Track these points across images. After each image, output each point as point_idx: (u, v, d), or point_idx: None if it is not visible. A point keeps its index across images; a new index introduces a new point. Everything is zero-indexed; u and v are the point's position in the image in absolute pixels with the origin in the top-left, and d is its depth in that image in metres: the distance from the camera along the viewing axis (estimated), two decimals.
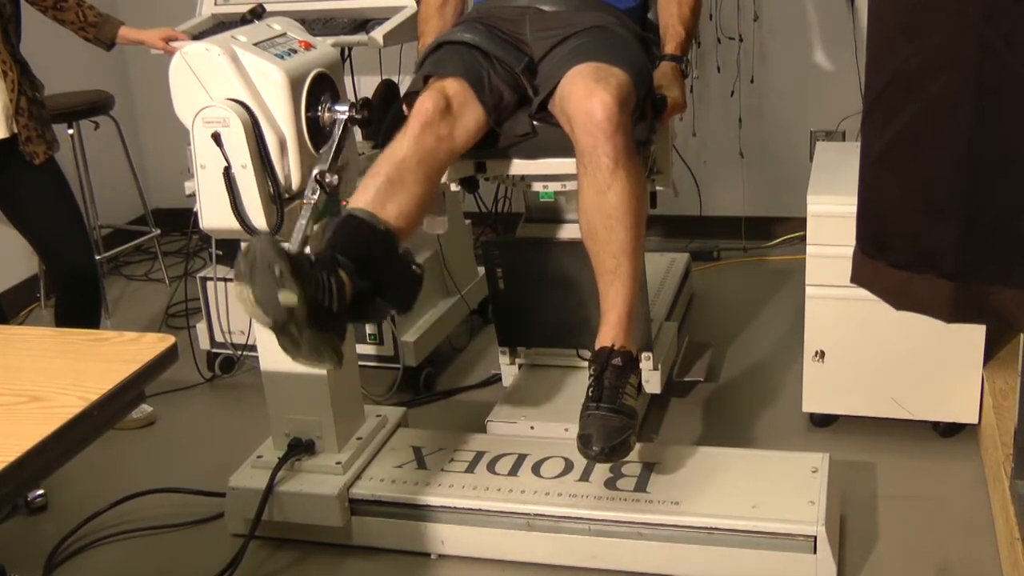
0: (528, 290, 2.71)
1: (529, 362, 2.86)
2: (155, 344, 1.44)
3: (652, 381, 2.70)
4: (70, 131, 3.75)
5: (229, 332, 3.21)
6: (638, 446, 2.39)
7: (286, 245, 1.89)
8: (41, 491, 2.67)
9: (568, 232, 2.67)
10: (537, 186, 2.49)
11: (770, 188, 3.99)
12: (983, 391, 2.54)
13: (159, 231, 4.13)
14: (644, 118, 2.28)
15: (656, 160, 2.49)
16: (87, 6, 2.75)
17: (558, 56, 2.27)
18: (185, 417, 3.11)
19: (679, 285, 3.27)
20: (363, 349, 3.00)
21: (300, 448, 2.42)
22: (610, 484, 2.30)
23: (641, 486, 2.28)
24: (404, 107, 2.31)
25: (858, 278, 1.63)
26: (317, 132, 2.23)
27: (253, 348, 2.83)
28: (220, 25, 3.03)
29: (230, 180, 2.14)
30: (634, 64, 2.22)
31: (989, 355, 2.54)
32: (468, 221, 3.52)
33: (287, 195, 2.21)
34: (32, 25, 2.70)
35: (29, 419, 1.27)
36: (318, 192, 2.14)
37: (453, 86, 2.21)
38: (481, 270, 3.32)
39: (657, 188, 2.56)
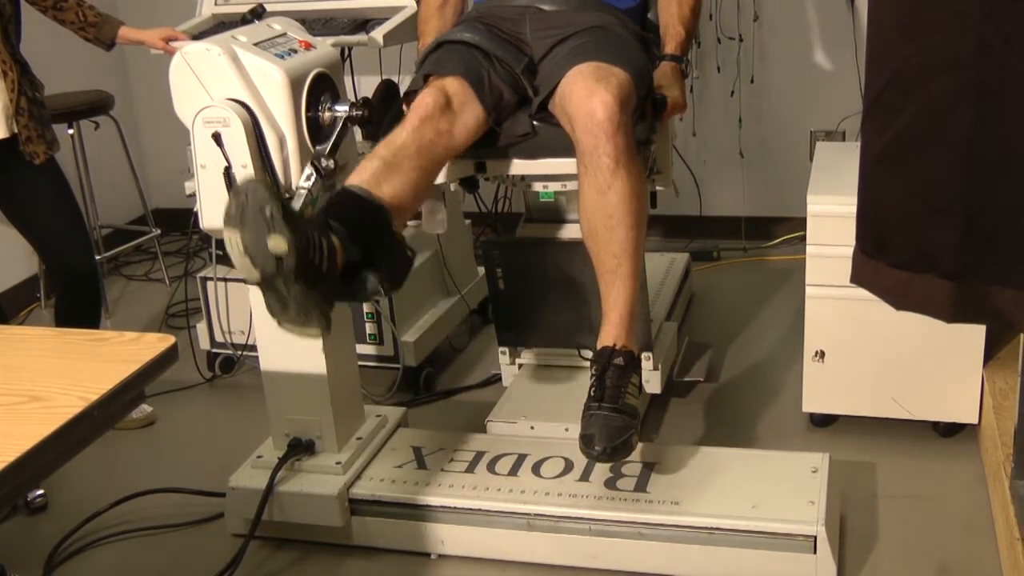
0: (528, 290, 2.71)
1: (529, 362, 2.86)
2: (155, 344, 1.43)
3: (652, 381, 2.70)
4: (70, 131, 3.75)
5: (229, 332, 3.21)
6: (639, 446, 2.40)
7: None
8: (41, 491, 2.67)
9: (568, 232, 2.67)
10: (537, 186, 2.49)
11: (770, 188, 3.99)
12: (983, 391, 2.54)
13: (159, 231, 4.13)
14: (644, 118, 2.28)
15: (656, 160, 2.49)
16: (87, 6, 2.75)
17: (558, 56, 2.27)
18: (185, 417, 3.11)
19: (679, 285, 3.27)
20: (363, 349, 3.00)
21: (300, 448, 2.41)
22: (610, 484, 2.30)
23: (641, 486, 2.28)
24: (404, 107, 2.31)
25: (858, 278, 1.63)
26: (317, 132, 2.23)
27: (253, 348, 2.83)
28: (220, 25, 3.03)
29: (230, 180, 2.14)
30: (634, 64, 2.22)
31: (989, 355, 2.54)
32: (468, 221, 3.52)
33: (287, 195, 2.21)
34: (32, 25, 2.70)
35: (29, 419, 1.27)
36: (313, 177, 2.14)
37: (453, 85, 2.21)
38: (481, 270, 3.32)
39: (657, 188, 2.56)
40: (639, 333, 2.26)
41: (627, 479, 2.31)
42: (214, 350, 3.28)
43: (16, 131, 2.58)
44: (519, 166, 2.39)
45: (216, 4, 3.16)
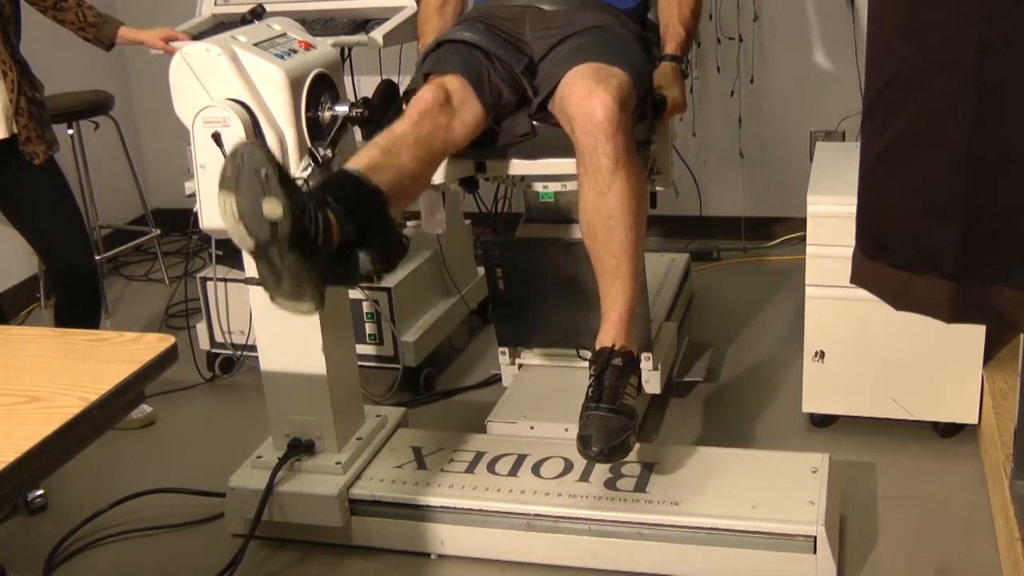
0: (528, 290, 2.71)
1: (529, 362, 2.86)
2: (155, 344, 1.43)
3: (652, 381, 2.70)
4: (70, 131, 3.75)
5: (229, 332, 3.21)
6: (638, 446, 2.40)
7: None
8: (41, 491, 2.67)
9: (568, 232, 2.67)
10: (537, 186, 2.49)
11: (770, 188, 3.99)
12: (983, 391, 2.54)
13: (159, 231, 4.12)
14: (644, 118, 2.28)
15: (656, 160, 2.49)
16: (87, 6, 2.75)
17: (558, 56, 2.27)
18: (185, 417, 3.11)
19: (679, 285, 3.27)
20: (363, 349, 3.00)
21: (300, 448, 2.41)
22: (610, 484, 2.30)
23: (641, 486, 2.28)
24: (404, 105, 2.31)
25: (858, 278, 1.63)
26: (317, 132, 2.23)
27: (253, 348, 2.83)
28: (220, 25, 3.03)
29: None
30: (634, 64, 2.22)
31: (989, 355, 2.54)
32: (468, 221, 3.52)
33: None
34: (32, 25, 2.70)
35: (29, 419, 1.26)
36: (311, 168, 2.13)
37: (453, 82, 2.21)
38: (481, 270, 3.31)
39: (657, 188, 2.56)
40: (639, 333, 2.26)
41: (627, 479, 2.31)
42: (214, 350, 3.28)
43: (16, 131, 2.58)
44: (519, 166, 2.39)
45: (216, 4, 3.17)
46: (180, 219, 4.02)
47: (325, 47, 2.35)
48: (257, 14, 2.63)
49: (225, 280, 3.15)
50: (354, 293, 2.88)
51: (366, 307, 2.99)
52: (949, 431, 2.64)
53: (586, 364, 2.20)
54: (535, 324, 2.76)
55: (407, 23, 2.94)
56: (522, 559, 2.30)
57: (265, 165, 1.70)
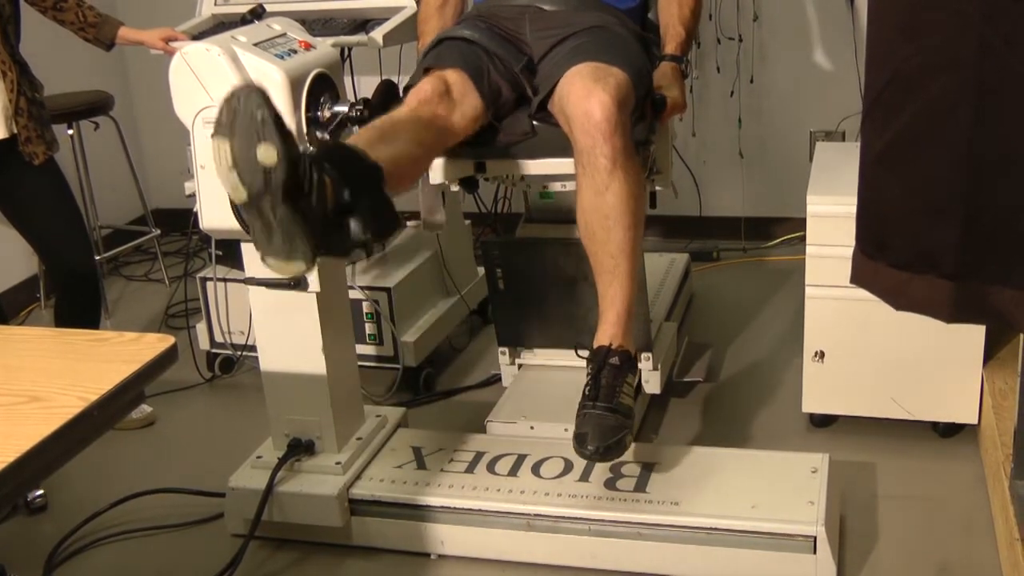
0: (528, 290, 2.71)
1: (529, 362, 2.86)
2: (155, 344, 1.43)
3: (652, 381, 2.70)
4: (70, 131, 3.75)
5: (229, 332, 3.21)
6: (637, 446, 2.40)
7: None
8: (41, 491, 2.67)
9: (568, 232, 2.67)
10: (537, 186, 2.49)
11: (770, 188, 3.99)
12: (983, 391, 2.54)
13: (159, 231, 4.12)
14: (644, 118, 2.28)
15: (656, 160, 2.49)
16: (87, 6, 2.75)
17: (557, 56, 2.27)
18: (185, 417, 3.11)
19: (679, 285, 3.27)
20: (363, 349, 3.00)
21: (300, 448, 2.41)
22: (610, 484, 2.30)
23: (641, 486, 2.28)
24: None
25: (858, 278, 1.63)
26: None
27: (253, 348, 2.83)
28: (220, 25, 3.03)
29: None
30: (633, 64, 2.22)
31: (989, 355, 2.54)
32: (468, 221, 3.52)
33: None
34: (32, 25, 2.70)
35: (29, 419, 1.26)
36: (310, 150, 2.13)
37: (453, 75, 2.21)
38: (481, 270, 3.31)
39: (657, 188, 2.56)
40: (638, 333, 2.26)
41: (627, 479, 2.31)
42: (214, 350, 3.28)
43: (15, 131, 2.58)
44: (519, 166, 2.39)
45: (216, 4, 3.16)
46: (180, 219, 4.02)
47: (325, 47, 2.35)
48: (257, 14, 2.63)
49: (225, 280, 3.15)
50: (354, 293, 2.88)
51: (366, 307, 2.99)
52: (949, 431, 2.64)
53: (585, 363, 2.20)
54: (535, 324, 2.76)
55: (407, 23, 2.94)
56: (522, 559, 2.30)
57: (261, 108, 1.68)
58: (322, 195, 1.76)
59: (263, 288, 2.31)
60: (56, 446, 1.23)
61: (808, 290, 2.58)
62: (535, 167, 2.38)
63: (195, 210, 2.27)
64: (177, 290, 3.71)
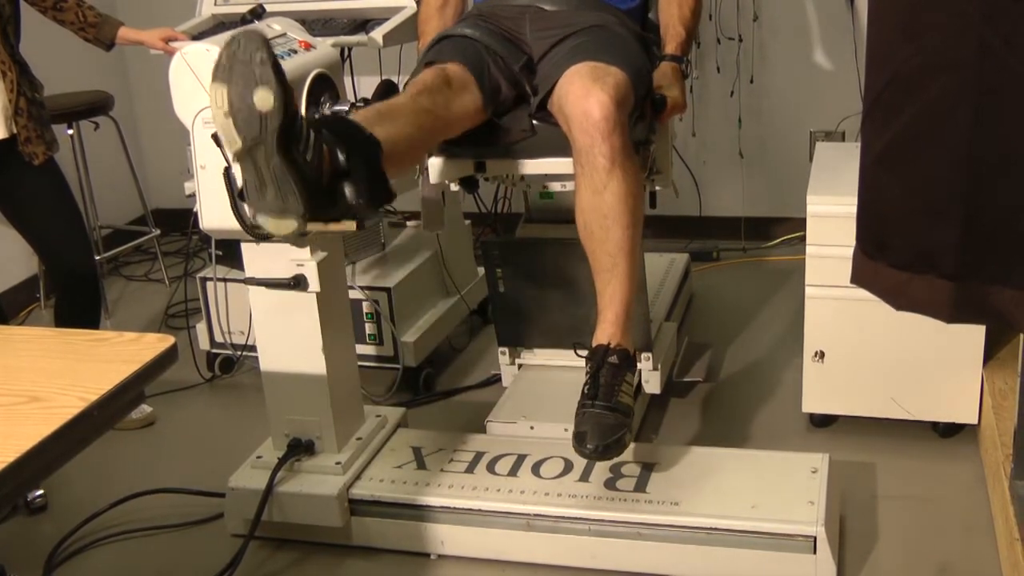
0: (528, 290, 2.71)
1: (529, 362, 2.86)
2: (155, 344, 1.43)
3: (652, 381, 2.70)
4: (70, 131, 3.75)
5: (229, 332, 3.21)
6: (637, 446, 2.40)
7: None
8: (41, 491, 2.67)
9: (568, 232, 2.66)
10: (537, 186, 2.48)
11: (770, 188, 3.99)
12: (983, 391, 2.54)
13: (159, 231, 4.13)
14: (644, 118, 2.28)
15: (656, 160, 2.49)
16: (87, 6, 2.75)
17: (557, 55, 2.27)
18: (185, 417, 3.11)
19: (679, 285, 3.27)
20: (363, 349, 3.00)
21: (300, 448, 2.41)
22: (610, 484, 2.30)
23: (641, 486, 2.28)
24: None
25: (858, 278, 1.63)
26: None
27: (253, 348, 2.83)
28: (220, 25, 3.03)
29: (230, 180, 2.14)
30: (633, 64, 2.22)
31: (989, 355, 2.54)
32: (468, 221, 3.52)
33: None
34: (32, 25, 2.70)
35: (29, 419, 1.26)
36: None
37: (454, 68, 2.21)
38: (481, 270, 3.32)
39: (657, 188, 2.57)
40: (638, 333, 2.26)
41: (626, 479, 2.31)
42: (214, 350, 3.28)
43: (15, 131, 2.58)
44: (519, 166, 2.39)
45: (216, 4, 3.16)
46: (180, 219, 4.02)
47: (325, 47, 2.35)
48: (257, 14, 2.63)
49: (225, 280, 3.15)
50: (354, 293, 2.88)
51: (366, 307, 2.99)
52: (949, 431, 2.64)
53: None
54: (535, 324, 2.76)
55: (407, 23, 2.94)
56: (522, 559, 2.30)
57: (261, 51, 1.69)
58: (317, 155, 1.76)
59: (263, 288, 2.31)
60: (56, 446, 1.24)
61: (808, 290, 2.59)
62: (535, 167, 2.38)
63: (195, 210, 2.27)
64: (177, 290, 3.71)
